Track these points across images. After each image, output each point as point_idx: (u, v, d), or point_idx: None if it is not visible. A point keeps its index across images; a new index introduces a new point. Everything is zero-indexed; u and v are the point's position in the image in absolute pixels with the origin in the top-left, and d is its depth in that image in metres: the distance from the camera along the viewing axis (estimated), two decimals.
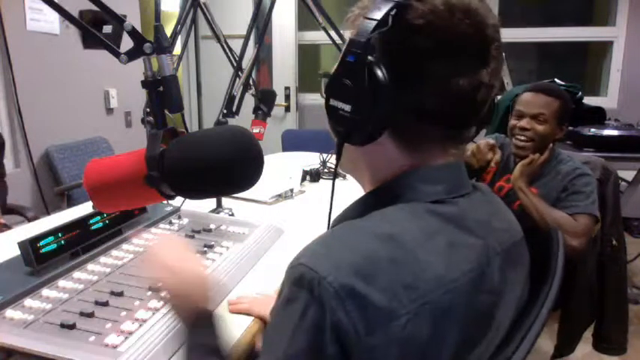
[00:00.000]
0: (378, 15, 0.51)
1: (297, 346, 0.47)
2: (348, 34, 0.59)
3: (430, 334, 0.48)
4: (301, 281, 0.48)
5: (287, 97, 4.13)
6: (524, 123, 1.60)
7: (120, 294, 0.89)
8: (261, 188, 1.31)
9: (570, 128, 2.29)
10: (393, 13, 0.52)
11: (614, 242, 1.74)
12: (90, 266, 1.00)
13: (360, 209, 0.60)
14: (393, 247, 0.50)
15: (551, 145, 1.60)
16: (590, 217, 1.52)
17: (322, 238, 0.53)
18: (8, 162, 2.42)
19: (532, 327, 0.57)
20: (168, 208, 1.32)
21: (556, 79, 2.87)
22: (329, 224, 0.64)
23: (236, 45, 1.57)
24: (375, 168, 0.61)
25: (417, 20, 0.52)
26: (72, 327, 0.78)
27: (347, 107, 0.54)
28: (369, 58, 0.52)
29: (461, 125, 0.59)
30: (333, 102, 0.56)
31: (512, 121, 1.64)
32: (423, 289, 0.48)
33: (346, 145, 0.59)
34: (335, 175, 0.67)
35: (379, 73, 0.52)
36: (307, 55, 4.33)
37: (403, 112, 0.54)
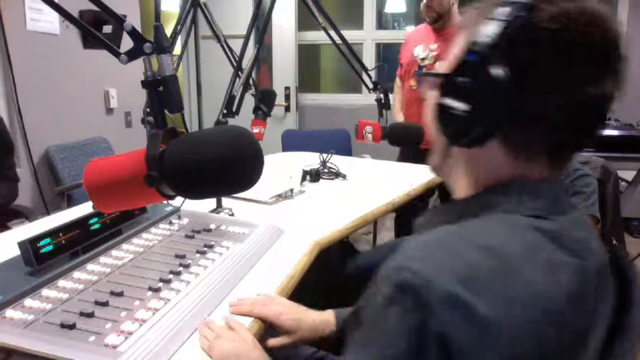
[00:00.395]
0: (507, 16, 0.51)
1: (396, 349, 0.46)
2: (460, 37, 0.59)
3: (529, 348, 0.47)
4: (404, 285, 0.47)
5: (287, 97, 4.13)
6: None
7: (120, 294, 0.89)
8: (261, 188, 1.31)
9: None
10: (523, 14, 0.51)
11: (614, 242, 1.74)
12: (90, 266, 1.00)
13: (455, 213, 0.59)
14: (494, 260, 0.49)
15: None
16: (591, 217, 1.52)
17: (423, 244, 0.52)
18: None
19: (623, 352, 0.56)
20: (168, 208, 1.32)
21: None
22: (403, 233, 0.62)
23: (236, 45, 1.57)
24: (475, 173, 0.59)
25: (546, 23, 0.51)
26: (72, 327, 0.78)
27: (464, 106, 0.53)
28: (493, 58, 0.51)
29: (575, 138, 0.57)
30: (447, 100, 0.55)
31: None
32: (522, 305, 0.47)
33: (443, 144, 0.60)
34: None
35: (502, 74, 0.51)
36: (307, 55, 4.33)
37: (521, 116, 0.53)
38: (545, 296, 0.49)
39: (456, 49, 0.59)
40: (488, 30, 0.51)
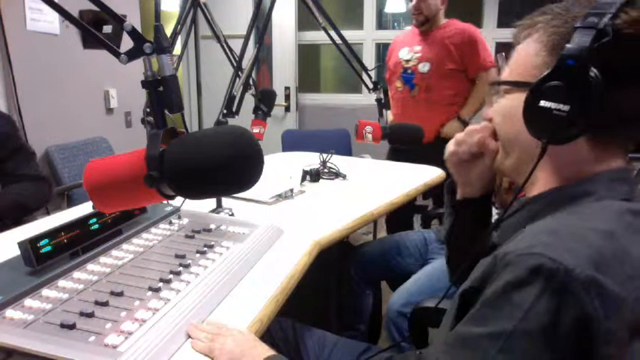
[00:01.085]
0: (596, 24, 0.58)
1: (530, 325, 0.51)
2: (525, 44, 0.67)
3: None
4: (539, 270, 0.51)
5: (287, 97, 4.13)
6: None
7: (120, 294, 0.89)
8: (261, 188, 1.31)
9: None
10: (610, 23, 0.58)
11: None
12: (90, 266, 1.00)
13: (548, 200, 0.65)
14: (610, 242, 0.54)
15: None
16: None
17: (545, 232, 0.56)
18: None
19: None
20: (168, 208, 1.32)
21: None
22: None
23: (236, 45, 1.57)
24: (560, 167, 0.65)
25: (628, 29, 0.58)
26: (72, 327, 0.78)
27: (565, 107, 0.59)
28: (589, 63, 0.57)
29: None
30: (545, 103, 0.61)
31: None
32: (637, 279, 0.53)
33: (526, 144, 0.65)
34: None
35: (597, 76, 0.57)
36: (307, 55, 4.33)
37: (610, 113, 0.59)
38: None
39: (529, 56, 0.66)
40: (582, 37, 0.58)
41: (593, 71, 0.57)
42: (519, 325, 0.51)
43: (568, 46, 0.59)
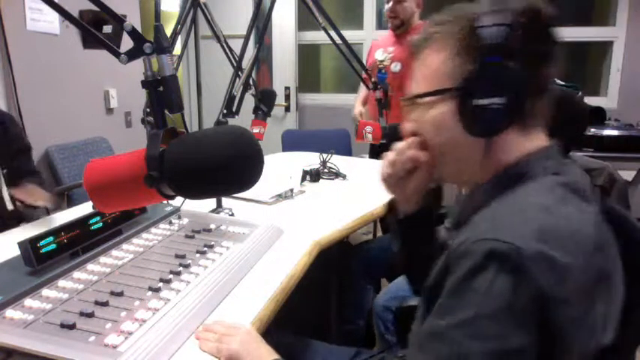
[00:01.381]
0: (498, 20, 0.64)
1: (492, 307, 0.53)
2: (428, 55, 0.70)
3: (590, 278, 0.57)
4: (492, 253, 0.54)
5: (287, 97, 4.13)
6: None
7: (120, 294, 0.89)
8: (261, 188, 1.31)
9: None
10: (509, 15, 0.64)
11: None
12: (90, 266, 1.00)
13: (488, 190, 0.68)
14: (551, 216, 0.58)
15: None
16: None
17: (491, 218, 0.61)
18: None
19: None
20: (168, 208, 1.32)
21: (556, 79, 2.87)
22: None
23: (236, 45, 1.57)
24: (496, 156, 0.68)
25: (521, 18, 0.64)
26: (72, 327, 0.78)
27: (501, 100, 0.64)
28: (509, 56, 0.63)
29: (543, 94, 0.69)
30: (479, 102, 0.65)
31: None
32: (582, 246, 0.57)
33: (463, 147, 0.68)
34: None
35: (517, 66, 0.63)
36: (307, 55, 4.33)
37: (531, 95, 0.65)
38: (589, 236, 0.59)
39: (439, 65, 0.68)
40: (491, 33, 0.64)
41: (516, 62, 0.63)
42: (482, 309, 0.53)
43: (484, 44, 0.64)
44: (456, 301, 0.56)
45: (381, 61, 2.69)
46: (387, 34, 2.82)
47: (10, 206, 1.61)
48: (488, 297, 0.53)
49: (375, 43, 2.89)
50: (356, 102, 2.95)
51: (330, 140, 3.41)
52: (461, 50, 0.66)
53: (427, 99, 0.71)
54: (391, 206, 0.91)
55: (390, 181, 0.84)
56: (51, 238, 0.97)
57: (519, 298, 0.52)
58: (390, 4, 2.59)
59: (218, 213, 1.44)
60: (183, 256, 1.07)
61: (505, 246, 0.54)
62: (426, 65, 0.71)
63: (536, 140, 0.69)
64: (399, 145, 0.80)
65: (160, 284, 0.94)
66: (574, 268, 0.55)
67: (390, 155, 0.82)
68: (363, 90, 2.92)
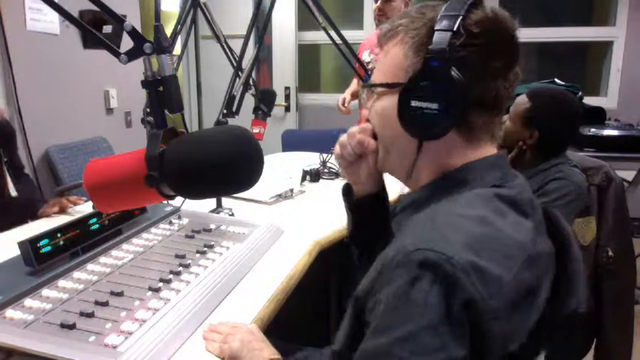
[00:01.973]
0: (451, 26, 0.63)
1: (430, 319, 0.53)
2: (390, 47, 0.70)
3: (521, 290, 0.58)
4: (425, 264, 0.54)
5: (287, 97, 4.13)
6: (504, 118, 1.66)
7: (120, 294, 0.89)
8: (261, 188, 1.31)
9: None
10: (461, 23, 0.63)
11: (610, 253, 1.64)
12: (90, 266, 1.00)
13: (429, 192, 0.70)
14: (485, 227, 0.59)
15: (521, 145, 1.58)
16: None
17: (425, 226, 0.61)
18: None
19: (579, 277, 0.69)
20: (168, 208, 1.32)
21: (556, 79, 2.87)
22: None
23: (236, 45, 1.57)
24: (438, 160, 0.69)
25: (475, 28, 0.64)
26: (72, 327, 0.78)
27: (433, 105, 0.64)
28: (449, 62, 0.63)
29: (501, 113, 0.70)
30: (416, 103, 0.65)
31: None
32: (514, 257, 0.58)
33: (403, 143, 0.69)
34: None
35: (456, 74, 0.63)
36: (307, 55, 4.33)
37: (470, 105, 0.65)
38: (522, 250, 0.60)
39: (396, 59, 0.69)
40: (440, 38, 0.63)
41: (454, 69, 0.62)
42: (422, 321, 0.53)
43: (430, 47, 0.64)
44: (395, 316, 0.55)
45: (368, 62, 2.68)
46: (373, 34, 2.79)
47: (13, 192, 1.63)
48: (425, 308, 0.53)
49: (362, 43, 2.87)
50: (345, 93, 2.95)
51: (330, 140, 3.39)
52: (415, 48, 0.67)
53: (379, 89, 0.72)
54: (349, 187, 0.91)
55: (342, 162, 0.85)
56: (51, 238, 0.97)
57: (452, 308, 0.52)
58: (379, 3, 2.56)
59: (218, 213, 1.44)
60: (183, 256, 1.07)
61: (437, 256, 0.54)
62: (387, 56, 0.71)
63: (483, 151, 0.69)
64: (352, 129, 0.82)
65: (160, 284, 0.94)
66: (505, 281, 0.55)
67: (342, 137, 0.84)
68: (354, 83, 2.94)
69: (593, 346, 1.72)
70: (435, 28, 0.64)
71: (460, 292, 0.53)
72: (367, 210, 0.87)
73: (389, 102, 0.69)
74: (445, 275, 0.53)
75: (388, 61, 0.71)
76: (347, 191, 0.90)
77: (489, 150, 0.70)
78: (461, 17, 0.63)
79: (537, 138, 1.56)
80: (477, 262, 0.54)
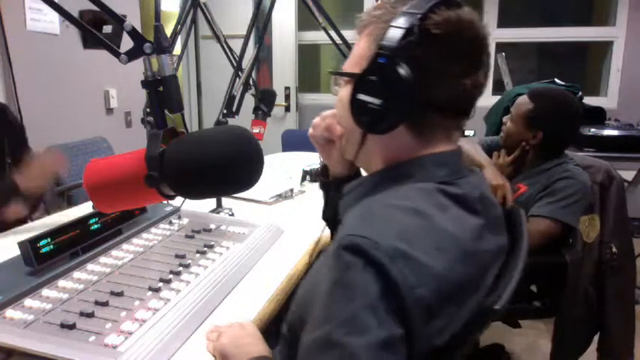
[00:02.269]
0: (406, 24, 0.62)
1: (364, 301, 0.53)
2: (362, 37, 0.70)
3: (451, 281, 0.59)
4: (354, 248, 0.56)
5: (287, 97, 4.13)
6: (505, 119, 1.69)
7: (120, 294, 0.89)
8: (261, 188, 1.31)
9: None
10: (417, 23, 0.63)
11: (613, 249, 1.67)
12: (90, 266, 1.00)
13: (375, 181, 0.71)
14: (419, 218, 0.60)
15: (524, 145, 1.61)
16: (551, 221, 1.51)
17: (360, 215, 0.62)
18: None
19: (513, 277, 0.69)
20: (168, 208, 1.32)
21: (556, 79, 2.87)
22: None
23: (236, 45, 1.57)
24: (388, 153, 0.70)
25: (435, 29, 0.63)
26: (72, 327, 0.78)
27: (377, 101, 0.64)
28: (398, 60, 0.62)
29: (462, 117, 0.70)
30: (362, 96, 0.65)
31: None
32: (446, 249, 0.59)
33: (356, 132, 0.69)
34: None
35: (405, 72, 0.62)
36: (307, 55, 4.33)
37: (421, 105, 0.65)
38: (458, 242, 0.61)
39: (362, 50, 0.69)
40: (393, 35, 0.63)
41: (403, 67, 0.62)
42: (359, 303, 0.54)
43: (381, 43, 0.64)
44: (332, 301, 0.56)
45: None
46: None
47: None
48: (361, 290, 0.54)
49: None
50: None
51: None
52: (376, 42, 0.66)
53: (343, 78, 0.73)
54: (325, 166, 0.93)
55: (315, 142, 0.88)
56: (51, 238, 0.97)
57: (382, 290, 0.54)
58: (379, 2, 2.57)
59: (218, 213, 1.44)
60: (183, 256, 1.07)
61: (364, 241, 0.55)
62: (357, 46, 0.72)
63: (435, 149, 0.69)
64: (324, 113, 0.84)
65: (160, 284, 0.94)
66: (435, 272, 0.56)
67: (316, 119, 0.86)
68: None
69: (596, 339, 1.74)
70: (391, 24, 0.64)
71: (384, 276, 0.54)
72: (337, 190, 0.87)
73: (346, 91, 0.69)
74: (372, 259, 0.54)
75: (356, 50, 0.72)
76: (324, 170, 0.93)
77: (442, 148, 0.70)
78: (419, 16, 0.63)
79: (541, 138, 1.57)
80: (404, 250, 0.55)
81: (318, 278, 0.60)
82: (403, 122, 0.65)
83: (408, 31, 0.62)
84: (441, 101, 0.66)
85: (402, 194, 0.64)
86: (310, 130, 0.87)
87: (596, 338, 1.76)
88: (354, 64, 0.71)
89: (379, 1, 0.72)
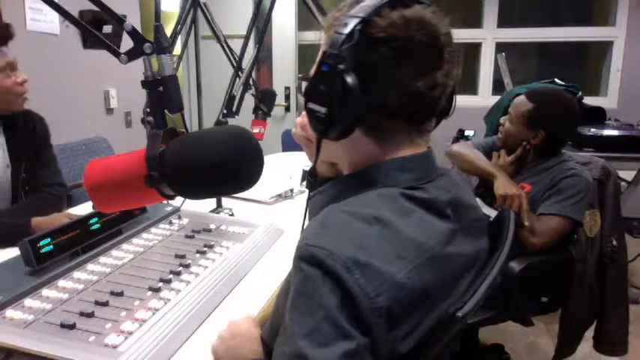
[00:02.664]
0: (347, 30, 0.60)
1: (325, 312, 0.53)
2: (323, 41, 0.68)
3: (417, 287, 0.58)
4: (312, 259, 0.55)
5: (287, 97, 4.13)
6: (502, 120, 1.70)
7: (120, 294, 0.89)
8: (261, 188, 1.31)
9: None
10: (359, 27, 0.60)
11: (614, 242, 1.73)
12: (90, 266, 1.00)
13: (339, 187, 0.70)
14: (379, 227, 0.58)
15: (525, 145, 1.63)
16: (562, 218, 1.53)
17: (319, 223, 0.60)
18: None
19: (483, 283, 0.67)
20: (169, 208, 1.32)
21: (556, 79, 2.87)
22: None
23: (236, 45, 1.58)
24: (352, 159, 0.69)
25: (379, 33, 0.61)
26: (72, 327, 0.78)
27: (323, 109, 0.62)
28: (340, 67, 0.60)
29: (421, 119, 0.68)
30: (311, 105, 0.63)
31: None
32: (411, 257, 0.58)
33: (325, 141, 0.65)
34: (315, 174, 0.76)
35: (349, 79, 0.59)
36: (307, 55, 4.33)
37: (372, 111, 0.63)
38: (422, 248, 0.60)
39: (319, 55, 0.66)
40: (334, 42, 0.60)
41: (348, 74, 0.59)
42: (320, 314, 0.53)
43: (324, 50, 0.61)
44: (297, 312, 0.56)
45: None
46: None
47: None
48: (321, 301, 0.54)
49: None
50: None
51: None
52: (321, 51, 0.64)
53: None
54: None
55: (298, 141, 0.85)
56: (51, 238, 0.97)
57: (341, 300, 0.53)
58: None
59: (218, 213, 1.44)
60: (183, 256, 1.07)
61: (320, 252, 0.55)
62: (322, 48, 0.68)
63: (398, 150, 0.67)
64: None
65: (160, 284, 0.94)
66: (396, 280, 0.55)
67: (298, 118, 0.85)
68: None
69: (592, 327, 1.80)
70: (334, 30, 0.61)
71: (340, 287, 0.53)
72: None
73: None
74: (329, 270, 0.54)
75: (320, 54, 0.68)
76: (314, 170, 0.91)
77: (406, 152, 0.67)
78: (358, 20, 0.60)
79: (544, 137, 1.59)
80: (360, 259, 0.54)
81: (290, 286, 0.60)
82: (355, 128, 0.63)
83: (349, 37, 0.60)
84: (393, 105, 0.64)
85: (364, 201, 0.63)
86: (293, 129, 0.86)
87: (591, 327, 1.81)
88: (316, 67, 0.67)
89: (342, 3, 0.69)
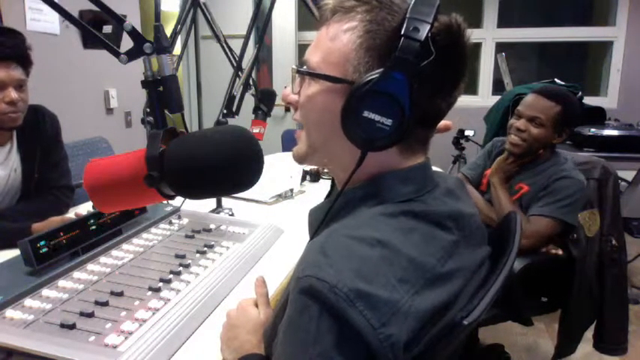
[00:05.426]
0: (421, 35, 0.55)
1: (320, 348, 0.50)
2: (340, 28, 0.62)
3: (424, 309, 0.54)
4: (311, 291, 0.51)
5: None
6: (520, 124, 1.63)
7: (120, 294, 0.89)
8: (261, 188, 1.31)
9: None
10: (427, 33, 0.55)
11: (613, 242, 1.73)
12: (90, 266, 1.00)
13: (347, 203, 0.65)
14: (380, 249, 0.55)
15: (546, 145, 1.63)
16: (552, 220, 1.53)
17: (319, 249, 0.56)
18: None
19: (489, 291, 0.64)
20: (169, 208, 1.32)
21: (556, 79, 2.87)
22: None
23: (236, 45, 1.57)
24: (367, 168, 0.63)
25: (439, 38, 0.57)
26: (72, 327, 0.78)
27: (388, 121, 0.57)
28: (412, 76, 0.55)
29: (435, 125, 0.66)
30: (368, 114, 0.57)
31: (511, 120, 1.69)
32: (413, 280, 0.55)
33: (337, 136, 0.60)
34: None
35: (418, 89, 0.56)
36: None
37: (419, 121, 0.60)
38: (424, 268, 0.56)
39: (346, 48, 0.60)
40: (409, 48, 0.55)
41: (415, 85, 0.56)
42: (314, 351, 0.50)
43: (396, 55, 0.55)
44: (289, 344, 0.54)
45: None
46: None
47: None
48: (317, 337, 0.50)
49: None
50: None
51: None
52: (368, 46, 0.59)
53: (323, 80, 0.63)
54: None
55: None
56: (51, 238, 0.97)
57: (344, 338, 0.50)
58: None
59: (218, 213, 1.44)
60: (183, 256, 1.07)
61: (320, 284, 0.51)
62: (331, 38, 0.63)
63: (408, 162, 0.64)
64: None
65: (160, 284, 0.94)
66: (401, 305, 0.52)
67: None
68: None
69: (592, 326, 1.80)
70: (403, 33, 0.55)
71: (346, 322, 0.50)
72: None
73: (330, 98, 0.62)
74: (330, 305, 0.50)
75: (335, 46, 0.62)
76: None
77: (415, 161, 0.65)
78: (429, 25, 0.55)
79: (566, 137, 1.60)
80: (363, 289, 0.50)
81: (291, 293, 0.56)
82: (404, 140, 0.59)
83: (422, 43, 0.55)
84: (431, 116, 0.62)
85: (364, 221, 0.59)
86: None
87: (591, 326, 1.82)
88: (333, 64, 0.62)
89: None
